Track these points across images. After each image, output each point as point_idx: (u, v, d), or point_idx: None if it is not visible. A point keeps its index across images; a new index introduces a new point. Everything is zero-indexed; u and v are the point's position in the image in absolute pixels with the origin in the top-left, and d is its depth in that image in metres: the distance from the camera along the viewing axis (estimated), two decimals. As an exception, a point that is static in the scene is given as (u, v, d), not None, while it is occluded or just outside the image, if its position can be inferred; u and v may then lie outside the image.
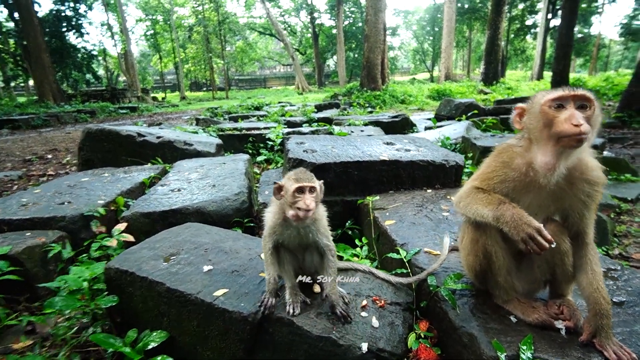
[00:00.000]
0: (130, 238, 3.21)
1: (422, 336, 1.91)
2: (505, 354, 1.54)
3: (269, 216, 1.95)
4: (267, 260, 1.94)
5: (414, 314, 2.13)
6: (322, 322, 1.84)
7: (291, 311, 1.85)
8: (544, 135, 1.54)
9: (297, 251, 2.01)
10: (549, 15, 32.72)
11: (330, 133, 7.53)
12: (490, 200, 1.61)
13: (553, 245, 1.45)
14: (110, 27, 37.49)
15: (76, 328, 2.24)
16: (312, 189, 1.77)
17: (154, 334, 2.06)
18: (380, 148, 4.07)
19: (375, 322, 1.90)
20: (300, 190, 1.75)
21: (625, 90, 10.15)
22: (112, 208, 3.98)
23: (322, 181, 1.90)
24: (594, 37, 44.06)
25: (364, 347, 1.75)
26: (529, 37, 46.85)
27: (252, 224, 3.68)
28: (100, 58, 40.13)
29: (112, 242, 3.21)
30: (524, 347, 1.51)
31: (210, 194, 3.85)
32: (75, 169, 7.09)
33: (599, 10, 41.79)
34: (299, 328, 1.80)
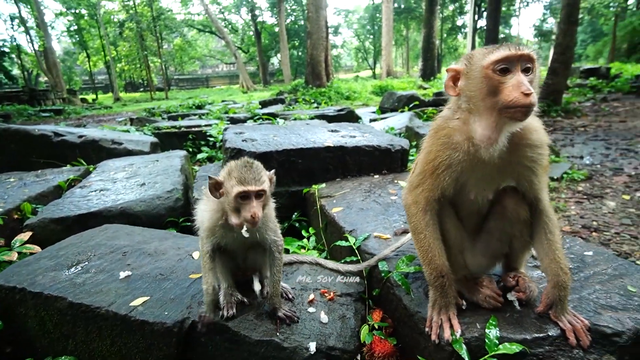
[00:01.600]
0: (37, 249, 2.67)
1: (376, 327, 1.75)
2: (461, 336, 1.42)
3: (205, 215, 1.60)
4: (204, 266, 1.59)
5: (367, 304, 1.96)
6: (263, 324, 1.59)
7: (225, 313, 1.57)
8: (486, 105, 1.37)
9: (239, 250, 1.71)
10: (476, 17, 35.31)
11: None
12: (436, 260, 1.54)
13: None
14: (23, 21, 33.31)
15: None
16: (259, 194, 1.43)
17: (57, 361, 1.67)
18: (324, 135, 3.89)
19: (324, 318, 1.69)
20: (245, 196, 1.40)
21: (543, 83, 11.14)
22: (16, 216, 3.36)
23: (272, 171, 1.59)
24: (514, 37, 48.41)
25: (312, 347, 1.53)
26: (460, 36, 50.27)
27: (189, 223, 3.30)
28: (13, 55, 35.50)
29: (12, 256, 2.65)
30: (491, 326, 1.40)
31: (138, 192, 3.40)
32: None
33: (516, 13, 45.97)
34: (235, 334, 1.54)
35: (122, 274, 1.86)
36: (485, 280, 1.62)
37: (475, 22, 35.48)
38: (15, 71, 39.73)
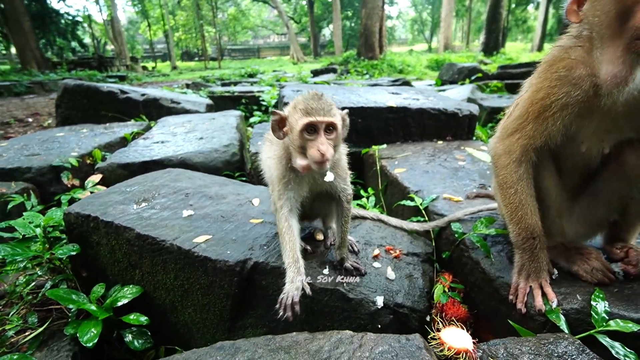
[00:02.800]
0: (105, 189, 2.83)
1: (449, 289, 1.59)
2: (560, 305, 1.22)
3: (272, 163, 1.40)
4: (283, 233, 1.38)
5: (434, 266, 1.80)
6: (327, 273, 1.50)
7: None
8: (615, 32, 1.09)
9: (305, 199, 1.51)
10: (554, -16, 31.44)
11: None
12: (527, 219, 1.32)
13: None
14: (94, -9, 35.32)
15: (34, 284, 1.88)
16: (329, 127, 1.23)
17: (125, 289, 1.72)
18: (385, 97, 3.65)
19: (390, 274, 1.56)
20: (312, 128, 1.20)
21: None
22: (88, 161, 3.58)
23: (346, 110, 1.40)
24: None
25: (379, 301, 1.42)
26: (530, 7, 45.34)
27: (243, 179, 3.31)
28: (85, 25, 38.02)
29: (85, 194, 2.84)
30: (597, 299, 1.19)
31: (197, 145, 3.45)
32: (54, 130, 6.60)
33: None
34: (298, 279, 1.46)
35: (185, 213, 1.85)
36: (592, 251, 1.38)
37: (551, -11, 31.66)
38: (87, 39, 42.67)
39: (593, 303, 1.19)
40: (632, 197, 1.31)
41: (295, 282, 1.32)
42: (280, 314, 1.25)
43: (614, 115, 1.21)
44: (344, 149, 1.49)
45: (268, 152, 1.48)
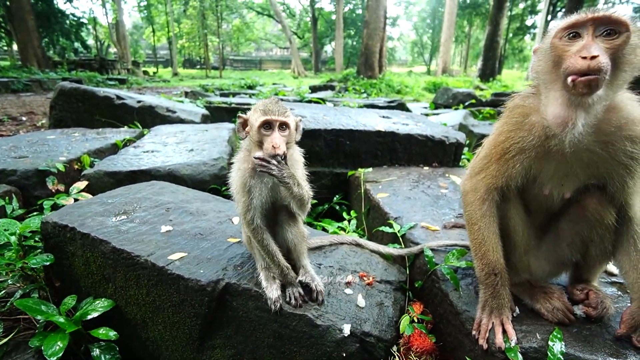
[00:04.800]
0: (89, 198, 2.83)
1: (417, 320, 1.61)
2: (517, 344, 1.25)
3: (235, 174, 1.52)
4: (257, 241, 1.49)
5: (407, 295, 1.82)
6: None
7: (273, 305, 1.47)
8: (553, 77, 1.19)
9: (268, 216, 1.56)
10: (549, 17, 32.51)
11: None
12: (489, 255, 1.38)
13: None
14: (101, -6, 35.80)
15: (4, 292, 1.86)
16: (283, 125, 1.39)
17: (97, 302, 1.71)
18: (375, 120, 3.73)
19: (361, 301, 1.58)
20: (268, 125, 1.37)
21: None
22: (76, 167, 3.57)
23: (299, 118, 1.53)
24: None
25: (347, 329, 1.43)
26: (527, 38, 46.69)
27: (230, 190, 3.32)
28: (90, 26, 38.38)
29: (69, 201, 2.84)
30: (555, 339, 1.22)
31: (186, 157, 3.47)
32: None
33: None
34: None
35: (164, 228, 1.87)
36: (555, 290, 1.41)
37: (547, 22, 32.70)
38: (90, 41, 42.95)
39: (550, 343, 1.22)
40: (592, 240, 1.35)
41: (293, 285, 1.52)
42: (293, 303, 1.48)
43: (570, 161, 1.27)
44: (299, 154, 1.59)
45: (235, 165, 1.56)
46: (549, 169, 1.31)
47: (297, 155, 1.56)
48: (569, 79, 1.10)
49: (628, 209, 1.30)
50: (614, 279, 1.67)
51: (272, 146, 1.34)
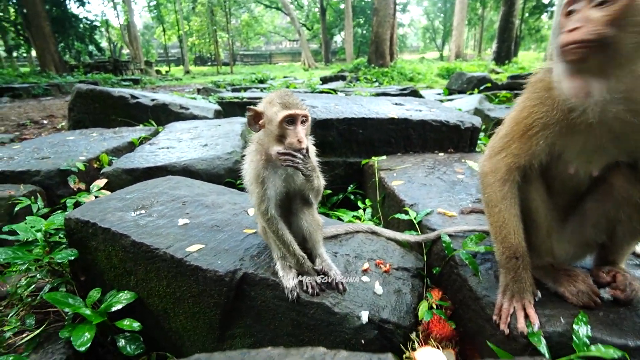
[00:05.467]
0: (108, 194, 2.90)
1: (436, 306, 1.59)
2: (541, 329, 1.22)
3: (247, 161, 1.52)
4: (272, 232, 1.50)
5: (425, 281, 1.80)
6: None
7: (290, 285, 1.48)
8: (555, 48, 1.16)
9: (282, 206, 1.57)
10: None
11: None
12: (510, 238, 1.34)
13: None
14: (112, -4, 36.33)
15: (34, 287, 1.94)
16: (304, 119, 1.38)
17: (120, 294, 1.77)
18: (388, 107, 3.67)
19: (378, 289, 1.57)
20: (291, 120, 1.35)
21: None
22: (95, 165, 3.67)
23: (309, 107, 1.52)
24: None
25: (364, 316, 1.43)
26: (544, 16, 44.89)
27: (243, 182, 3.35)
28: (102, 29, 39.07)
29: (90, 198, 2.92)
30: (580, 323, 1.18)
31: (200, 152, 3.51)
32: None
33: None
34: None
35: (181, 221, 1.90)
36: (580, 273, 1.37)
37: (565, -1, 31.33)
38: (104, 43, 43.76)
39: (575, 327, 1.18)
40: (620, 220, 1.30)
41: (310, 273, 1.51)
42: (310, 292, 1.46)
43: (599, 134, 1.20)
44: (312, 145, 1.57)
45: (247, 158, 1.56)
46: (576, 144, 1.25)
47: (311, 146, 1.54)
48: (559, 52, 1.12)
49: None
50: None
51: (298, 140, 1.33)
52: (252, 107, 1.45)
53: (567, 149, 1.27)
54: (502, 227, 1.34)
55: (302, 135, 1.35)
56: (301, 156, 1.34)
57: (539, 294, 1.37)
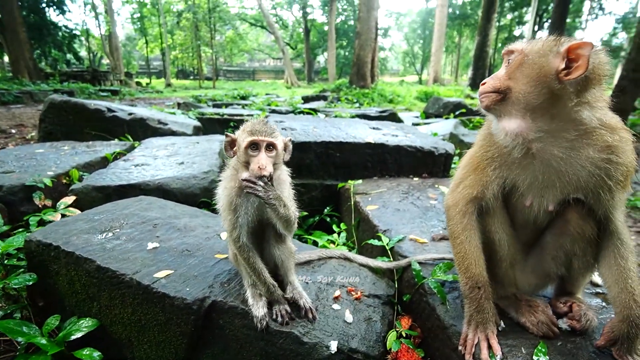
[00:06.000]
0: (77, 213, 2.80)
1: (404, 335, 1.61)
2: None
3: (221, 186, 1.52)
4: (251, 262, 1.48)
5: (395, 309, 1.82)
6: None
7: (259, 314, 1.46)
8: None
9: (254, 233, 1.56)
10: (536, 27, 33.31)
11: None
12: (472, 268, 1.40)
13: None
14: (94, 7, 35.97)
15: (-14, 312, 1.82)
16: (270, 146, 1.40)
17: (81, 321, 1.69)
18: (365, 131, 3.76)
19: (348, 317, 1.58)
20: (255, 146, 1.38)
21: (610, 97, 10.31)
22: (64, 181, 3.54)
23: (289, 138, 1.54)
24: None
25: (333, 345, 1.43)
26: (516, 47, 47.53)
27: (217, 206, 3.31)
28: (82, 38, 38.38)
29: (56, 217, 2.80)
30: (539, 354, 1.22)
31: (176, 170, 3.46)
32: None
33: (582, 26, 42.82)
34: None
35: (150, 245, 1.85)
36: (540, 304, 1.43)
37: (534, 32, 33.48)
38: (83, 53, 42.89)
39: (535, 358, 1.22)
40: (575, 253, 1.37)
41: (280, 302, 1.51)
42: (280, 321, 1.47)
43: (541, 171, 1.29)
44: (286, 174, 1.58)
45: (221, 184, 1.56)
46: (525, 178, 1.34)
47: (284, 176, 1.56)
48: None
49: (609, 222, 1.31)
50: (598, 290, 1.68)
51: (259, 167, 1.35)
52: (228, 133, 1.48)
53: (519, 183, 1.35)
54: (465, 257, 1.40)
55: (264, 162, 1.36)
56: (262, 183, 1.34)
57: (502, 324, 1.42)
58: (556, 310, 1.42)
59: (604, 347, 1.27)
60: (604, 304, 1.58)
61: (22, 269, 1.86)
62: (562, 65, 1.15)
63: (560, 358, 1.25)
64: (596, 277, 1.67)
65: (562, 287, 1.50)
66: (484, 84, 1.28)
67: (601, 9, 37.28)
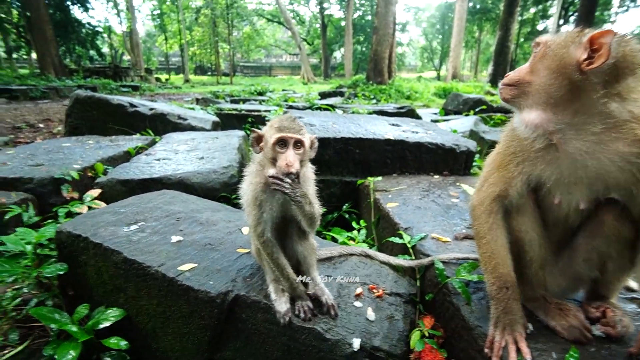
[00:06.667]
0: (102, 205, 2.88)
1: (428, 335, 1.59)
2: (534, 363, 1.22)
3: (246, 181, 1.53)
4: (267, 255, 1.49)
5: (417, 308, 1.80)
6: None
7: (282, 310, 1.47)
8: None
9: (278, 229, 1.55)
10: (561, 21, 32.12)
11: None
12: (499, 268, 1.37)
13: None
14: (116, 4, 36.76)
15: (19, 300, 1.90)
16: (298, 143, 1.39)
17: (109, 311, 1.73)
18: (385, 128, 3.72)
19: (370, 315, 1.56)
20: (283, 142, 1.37)
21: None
22: (90, 174, 3.64)
23: (315, 136, 1.53)
24: (606, 46, 43.20)
25: (356, 343, 1.42)
26: (539, 42, 46.04)
27: (240, 201, 3.34)
28: (105, 35, 39.34)
29: (83, 209, 2.88)
30: (572, 359, 1.19)
31: (196, 165, 3.51)
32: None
33: (612, 19, 41.06)
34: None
35: (174, 238, 1.88)
36: (571, 308, 1.38)
37: (559, 27, 32.32)
38: (105, 49, 44.00)
39: (567, 362, 1.18)
40: (610, 256, 1.31)
41: (303, 298, 1.52)
42: (302, 317, 1.47)
43: (576, 168, 1.24)
44: (311, 172, 1.58)
45: (247, 179, 1.56)
46: (550, 173, 1.30)
47: (309, 173, 1.55)
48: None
49: None
50: (634, 295, 1.62)
51: (286, 164, 1.33)
52: (255, 129, 1.48)
53: (545, 179, 1.31)
54: (491, 257, 1.37)
55: (292, 160, 1.34)
56: (289, 181, 1.34)
57: (531, 327, 1.38)
58: (588, 315, 1.37)
59: (638, 354, 1.22)
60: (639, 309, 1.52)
61: (53, 259, 1.92)
62: (584, 56, 1.12)
63: (594, 364, 1.20)
64: (632, 282, 1.60)
65: (595, 291, 1.44)
66: (507, 76, 1.30)
67: (633, 0, 35.52)
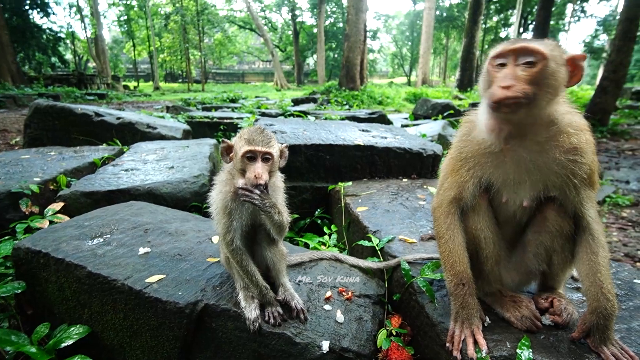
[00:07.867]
0: (65, 219, 2.77)
1: (394, 333, 1.64)
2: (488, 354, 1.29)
3: (216, 190, 1.54)
4: (243, 265, 1.50)
5: (386, 308, 1.86)
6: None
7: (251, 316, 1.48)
8: (486, 96, 1.31)
9: (247, 236, 1.58)
10: (521, 29, 33.98)
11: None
12: (456, 266, 1.45)
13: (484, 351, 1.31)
14: (79, 9, 35.44)
15: (-26, 321, 1.80)
16: (266, 156, 1.42)
17: (72, 329, 1.68)
18: (355, 134, 3.80)
19: (340, 317, 1.60)
20: (251, 155, 1.40)
21: (590, 102, 10.61)
22: (52, 187, 3.49)
23: (285, 144, 1.57)
24: (562, 53, 45.92)
25: (325, 345, 1.45)
26: (502, 49, 48.33)
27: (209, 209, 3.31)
28: (68, 41, 37.83)
29: (44, 224, 2.76)
30: (523, 347, 1.27)
31: (166, 175, 3.45)
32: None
33: (566, 28, 43.80)
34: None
35: (142, 250, 1.85)
36: (524, 300, 1.48)
37: (519, 34, 34.15)
38: (68, 56, 42.24)
39: (518, 351, 1.27)
40: (554, 249, 1.43)
41: (272, 304, 1.53)
42: (272, 322, 1.49)
43: (518, 169, 1.36)
44: (281, 182, 1.62)
45: (216, 187, 1.58)
46: (498, 176, 1.42)
47: (278, 182, 1.59)
48: (492, 104, 1.24)
49: (581, 219, 1.39)
50: (579, 285, 1.74)
51: (255, 176, 1.36)
52: (225, 140, 1.51)
53: (494, 181, 1.42)
54: (449, 256, 1.45)
55: (260, 171, 1.38)
56: (258, 192, 1.37)
57: (488, 320, 1.46)
58: (538, 306, 1.48)
59: (578, 338, 1.33)
60: (584, 298, 1.64)
61: (9, 277, 1.84)
62: (567, 74, 1.25)
63: (543, 351, 1.29)
64: (576, 272, 1.73)
65: (544, 283, 1.56)
66: (507, 87, 1.20)
67: (583, 11, 38.23)
